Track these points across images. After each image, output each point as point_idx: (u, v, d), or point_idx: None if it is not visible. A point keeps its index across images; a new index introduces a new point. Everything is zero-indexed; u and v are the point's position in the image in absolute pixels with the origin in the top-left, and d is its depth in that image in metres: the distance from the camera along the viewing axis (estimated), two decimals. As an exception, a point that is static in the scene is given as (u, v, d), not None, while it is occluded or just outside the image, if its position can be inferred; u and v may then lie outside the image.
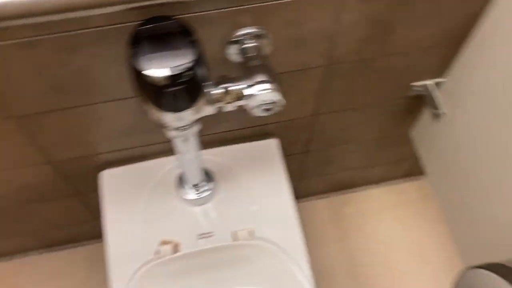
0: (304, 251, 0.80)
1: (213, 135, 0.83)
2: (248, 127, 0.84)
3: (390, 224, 1.22)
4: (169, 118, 0.55)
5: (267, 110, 0.58)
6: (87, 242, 1.17)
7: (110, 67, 0.61)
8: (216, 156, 0.86)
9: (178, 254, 0.75)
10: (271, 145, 0.87)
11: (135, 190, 0.83)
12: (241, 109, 0.77)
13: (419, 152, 0.96)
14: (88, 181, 0.88)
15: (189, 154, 0.69)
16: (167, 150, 0.84)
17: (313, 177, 1.13)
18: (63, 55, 0.57)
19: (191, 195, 0.81)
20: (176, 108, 0.53)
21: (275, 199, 0.83)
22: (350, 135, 0.96)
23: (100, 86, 0.64)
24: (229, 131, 0.84)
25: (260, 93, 0.57)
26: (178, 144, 0.67)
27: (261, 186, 0.84)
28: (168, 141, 0.81)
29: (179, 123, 0.58)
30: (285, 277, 0.73)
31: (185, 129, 0.60)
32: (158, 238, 0.79)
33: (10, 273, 1.14)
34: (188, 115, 0.55)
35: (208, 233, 0.80)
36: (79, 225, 1.08)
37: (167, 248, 0.77)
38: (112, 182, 0.84)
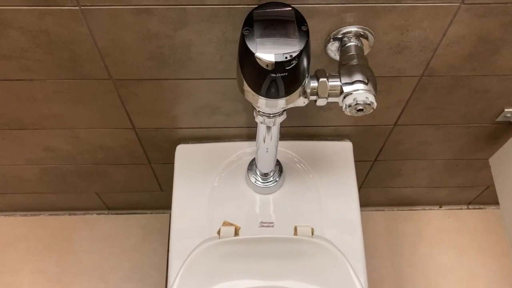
0: (362, 259, 0.79)
1: (290, 128, 0.84)
2: (326, 126, 0.84)
3: (446, 250, 1.19)
4: (263, 103, 0.56)
5: (359, 110, 0.58)
6: (145, 211, 1.21)
7: (211, 46, 0.63)
8: (289, 149, 0.86)
9: (238, 237, 0.77)
10: (345, 148, 0.87)
11: (207, 168, 0.85)
12: (329, 107, 0.77)
13: (495, 180, 0.92)
14: (163, 152, 0.91)
15: (268, 142, 0.70)
16: (243, 135, 0.86)
17: (376, 187, 1.11)
18: (171, 27, 0.60)
19: (259, 182, 0.82)
20: (274, 94, 0.54)
21: (341, 202, 0.83)
22: (426, 152, 0.93)
23: (197, 63, 0.66)
24: (306, 126, 0.84)
25: (356, 92, 0.56)
26: (261, 130, 0.67)
27: (329, 186, 0.84)
28: (245, 126, 0.83)
29: (271, 109, 0.59)
30: (341, 279, 0.72)
31: (273, 116, 0.61)
32: (221, 219, 0.81)
33: (68, 227, 1.19)
34: (282, 103, 0.56)
35: (269, 222, 0.81)
36: (142, 193, 1.12)
37: (228, 230, 0.79)
38: (186, 157, 0.86)
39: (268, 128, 0.67)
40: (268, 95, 0.54)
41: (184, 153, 0.87)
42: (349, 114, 0.59)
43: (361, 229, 0.81)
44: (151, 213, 1.21)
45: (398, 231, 1.21)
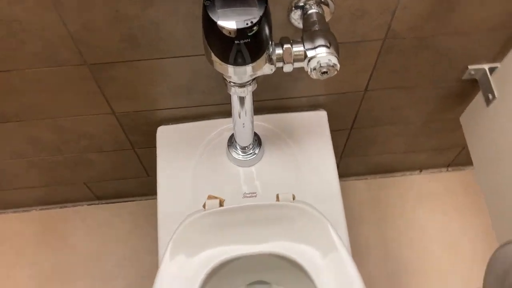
0: (343, 221, 0.83)
1: (265, 102, 0.87)
2: (300, 97, 0.87)
3: (429, 212, 1.23)
4: (232, 71, 0.59)
5: (324, 73, 0.61)
6: (134, 198, 1.23)
7: (180, 23, 0.65)
8: (266, 122, 0.89)
9: (223, 207, 0.80)
10: (320, 117, 0.90)
11: (188, 147, 0.87)
12: (296, 77, 0.80)
13: (467, 139, 0.96)
14: (145, 136, 0.93)
15: (243, 116, 0.72)
16: (221, 112, 0.88)
17: (355, 157, 1.15)
18: (138, 6, 0.62)
19: (240, 156, 0.85)
20: (241, 62, 0.56)
21: (320, 170, 0.86)
22: (398, 116, 0.97)
23: (168, 42, 0.69)
24: (281, 99, 0.87)
25: (319, 55, 0.59)
26: (235, 104, 0.70)
27: (307, 155, 0.87)
28: (222, 103, 0.86)
29: (240, 77, 0.61)
30: (322, 237, 0.76)
31: (244, 86, 0.64)
32: (206, 193, 0.84)
33: (60, 219, 1.22)
34: (250, 70, 0.59)
35: (252, 193, 0.84)
36: (129, 180, 1.14)
37: (213, 203, 0.81)
38: (168, 138, 0.89)
39: (242, 100, 0.70)
40: (235, 62, 0.57)
41: (165, 134, 0.89)
42: (315, 77, 0.62)
43: (339, 193, 0.84)
44: (141, 200, 1.23)
45: (382, 198, 1.25)
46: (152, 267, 1.13)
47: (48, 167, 1.02)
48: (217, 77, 0.78)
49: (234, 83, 0.63)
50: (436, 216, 1.23)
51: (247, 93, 0.66)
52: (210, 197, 0.84)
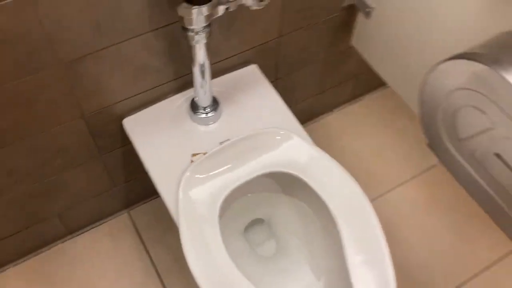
0: (303, 132, 1.01)
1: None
2: (231, 56, 1.04)
3: (351, 138, 1.47)
4: (195, 12, 0.75)
5: (261, 1, 0.80)
6: (105, 220, 1.28)
7: (133, 2, 0.80)
8: (214, 86, 1.04)
9: (207, 153, 0.93)
10: (254, 70, 1.09)
11: (157, 126, 0.99)
12: (228, 36, 0.98)
13: (364, 54, 1.20)
14: (110, 137, 1.03)
15: (203, 64, 0.88)
16: (176, 88, 1.02)
17: (283, 111, 1.35)
18: (102, -7, 0.75)
19: (204, 115, 0.99)
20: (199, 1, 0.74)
21: (271, 109, 1.03)
22: (307, 57, 1.19)
23: (127, 22, 0.82)
24: (218, 62, 1.03)
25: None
26: (196, 55, 0.85)
27: (256, 100, 1.04)
28: (175, 78, 1.00)
29: (199, 20, 0.77)
30: (299, 150, 0.94)
31: (202, 31, 0.80)
32: (189, 154, 0.96)
33: (40, 265, 1.22)
34: (206, 10, 0.76)
35: (226, 140, 0.98)
36: (100, 199, 1.20)
37: (198, 157, 0.94)
38: (136, 125, 1.00)
39: (200, 51, 0.85)
40: (194, 2, 0.74)
41: (132, 124, 1.00)
42: (256, 7, 0.80)
43: (294, 118, 1.02)
44: (111, 219, 1.29)
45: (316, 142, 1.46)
46: (147, 273, 1.20)
47: (23, 203, 1.05)
48: (167, 52, 0.93)
49: (195, 31, 0.79)
50: (357, 139, 1.47)
51: (206, 38, 0.82)
52: (194, 155, 0.96)
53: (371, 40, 1.14)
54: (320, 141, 1.45)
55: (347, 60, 1.30)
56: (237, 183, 0.92)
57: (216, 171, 0.93)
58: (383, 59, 1.13)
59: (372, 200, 1.36)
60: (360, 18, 1.14)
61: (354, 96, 1.52)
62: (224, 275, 0.83)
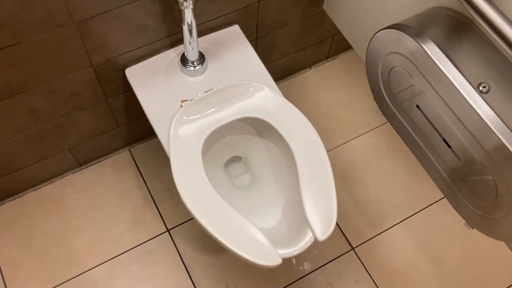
0: (274, 85, 1.21)
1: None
2: (216, 18, 1.22)
3: (326, 92, 1.67)
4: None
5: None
6: (109, 155, 1.50)
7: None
8: (200, 43, 1.23)
9: (197, 98, 1.13)
10: (236, 30, 1.27)
11: (153, 75, 1.19)
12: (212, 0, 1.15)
13: (333, 18, 1.38)
14: (114, 83, 1.23)
15: (191, 24, 1.06)
16: (168, 44, 1.21)
17: (264, 64, 1.53)
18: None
19: (192, 68, 1.19)
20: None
21: (248, 63, 1.23)
22: (284, 19, 1.37)
23: (128, -11, 1.00)
24: (205, 22, 1.22)
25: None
26: (185, 16, 1.04)
27: (237, 57, 1.23)
28: (168, 35, 1.19)
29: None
30: (274, 100, 1.14)
31: (190, -1, 0.99)
32: (179, 100, 1.17)
33: (54, 193, 1.45)
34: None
35: (210, 89, 1.18)
36: (104, 136, 1.41)
37: (187, 102, 1.15)
38: (136, 74, 1.20)
39: (188, 15, 1.03)
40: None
41: (133, 73, 1.20)
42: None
43: (268, 74, 1.22)
44: (115, 155, 1.51)
45: (291, 94, 1.66)
46: (145, 200, 1.43)
47: (41, 137, 1.26)
48: (161, 14, 1.11)
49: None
50: (330, 93, 1.67)
51: (192, 4, 1.00)
52: (183, 101, 1.17)
53: (337, 5, 1.32)
54: (298, 94, 1.67)
55: (322, 22, 1.48)
56: (218, 125, 1.13)
57: (201, 114, 1.13)
58: (346, 22, 1.31)
59: (339, 145, 1.58)
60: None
61: (330, 55, 1.71)
62: (207, 199, 1.06)
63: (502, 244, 1.44)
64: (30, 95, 1.12)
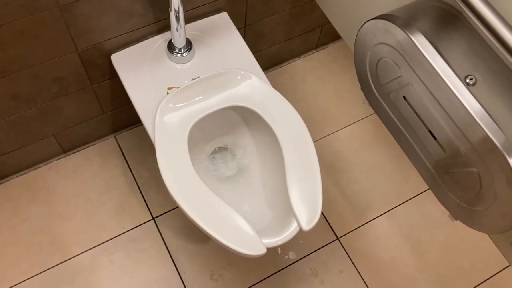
0: (262, 74, 1.20)
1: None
2: (203, 5, 1.21)
3: (314, 82, 1.66)
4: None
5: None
6: (95, 142, 1.48)
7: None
8: (188, 30, 1.22)
9: (184, 86, 1.12)
10: (224, 17, 1.26)
11: (139, 62, 1.17)
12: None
13: (322, 7, 1.37)
14: (100, 69, 1.21)
15: (178, 10, 1.04)
16: (155, 30, 1.19)
17: (253, 53, 1.52)
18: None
19: (179, 55, 1.17)
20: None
21: (237, 52, 1.21)
22: (273, 7, 1.36)
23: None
24: (192, 9, 1.20)
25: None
26: (172, 1, 1.02)
27: (224, 44, 1.22)
28: (155, 22, 1.17)
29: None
30: (262, 89, 1.13)
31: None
32: (165, 87, 1.15)
33: (38, 179, 1.43)
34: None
35: (197, 77, 1.17)
36: (90, 122, 1.39)
37: (173, 90, 1.13)
38: (122, 60, 1.18)
39: (176, 3, 1.02)
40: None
41: (119, 59, 1.18)
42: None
43: (256, 62, 1.21)
44: (100, 142, 1.49)
45: (280, 83, 1.65)
46: (130, 186, 1.42)
47: (25, 123, 1.24)
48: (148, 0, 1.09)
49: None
50: (319, 83, 1.66)
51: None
52: (169, 88, 1.15)
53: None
54: (286, 83, 1.66)
55: (312, 11, 1.47)
56: (204, 113, 1.12)
57: (187, 102, 1.12)
58: (336, 12, 1.30)
59: (326, 135, 1.58)
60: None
61: (319, 45, 1.70)
62: (193, 188, 1.05)
63: (485, 236, 1.46)
64: (13, 79, 1.10)
